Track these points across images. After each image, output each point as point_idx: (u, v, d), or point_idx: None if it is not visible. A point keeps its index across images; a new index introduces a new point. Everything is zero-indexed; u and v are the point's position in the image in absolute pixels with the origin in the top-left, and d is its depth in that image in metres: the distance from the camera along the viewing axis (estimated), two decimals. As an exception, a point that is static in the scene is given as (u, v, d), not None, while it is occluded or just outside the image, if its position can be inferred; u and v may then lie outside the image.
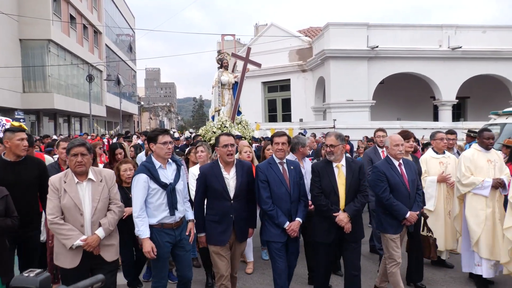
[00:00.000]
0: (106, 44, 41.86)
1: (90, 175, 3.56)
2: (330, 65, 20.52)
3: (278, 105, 26.25)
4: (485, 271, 5.10)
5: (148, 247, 3.69)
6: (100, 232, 3.48)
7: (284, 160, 4.40)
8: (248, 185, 4.21)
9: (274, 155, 4.41)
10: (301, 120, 22.64)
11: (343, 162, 4.32)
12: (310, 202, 4.76)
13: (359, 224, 4.36)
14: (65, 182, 3.46)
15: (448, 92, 21.24)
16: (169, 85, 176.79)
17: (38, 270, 1.36)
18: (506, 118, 14.67)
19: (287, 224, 4.14)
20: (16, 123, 9.41)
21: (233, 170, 4.15)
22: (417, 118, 20.99)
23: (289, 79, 25.23)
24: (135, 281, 5.17)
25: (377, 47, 20.13)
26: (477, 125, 16.20)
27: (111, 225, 3.57)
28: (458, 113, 24.35)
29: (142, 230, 3.72)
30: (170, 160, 3.99)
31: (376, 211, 4.91)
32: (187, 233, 4.02)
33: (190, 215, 4.13)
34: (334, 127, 16.79)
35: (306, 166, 5.19)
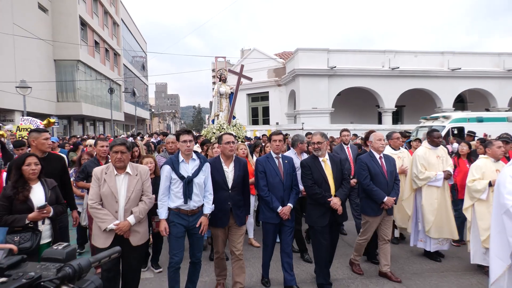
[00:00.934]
0: (124, 64, 41.23)
1: (128, 170, 3.38)
2: (299, 81, 20.57)
3: (259, 112, 26.21)
4: (432, 246, 5.08)
5: (163, 226, 3.54)
6: (131, 219, 3.28)
7: (280, 155, 4.26)
8: (243, 178, 4.02)
9: (272, 151, 4.29)
10: (277, 123, 22.70)
11: (327, 156, 4.19)
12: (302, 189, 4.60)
13: (344, 209, 4.19)
14: (106, 173, 3.30)
15: (389, 102, 21.48)
16: (174, 96, 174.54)
17: (65, 244, 1.27)
18: (432, 122, 15.11)
19: (280, 209, 4.02)
20: (45, 122, 9.10)
21: (231, 165, 3.98)
22: (366, 122, 21.25)
23: (267, 92, 25.23)
24: (154, 264, 4.86)
25: (335, 67, 20.25)
26: (411, 127, 16.55)
27: (142, 214, 3.36)
28: (397, 118, 24.62)
29: (160, 212, 3.56)
30: (195, 156, 3.71)
31: (360, 196, 4.70)
32: (197, 225, 3.68)
33: (206, 210, 3.74)
34: (302, 129, 16.89)
35: None
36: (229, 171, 3.94)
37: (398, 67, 20.82)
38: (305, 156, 5.17)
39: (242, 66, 13.78)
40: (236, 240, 4.01)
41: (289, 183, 4.17)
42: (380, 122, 22.70)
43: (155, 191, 3.79)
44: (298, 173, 4.42)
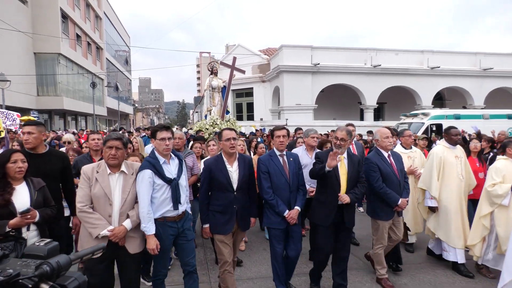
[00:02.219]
0: (106, 58, 40.51)
1: (123, 168, 2.97)
2: (283, 77, 20.76)
3: (244, 107, 26.30)
4: (459, 256, 4.48)
5: (153, 244, 2.96)
6: (127, 224, 2.87)
7: (284, 153, 3.79)
8: (249, 177, 3.61)
9: (275, 148, 3.81)
10: (261, 119, 22.78)
11: (345, 155, 3.77)
12: (311, 189, 4.27)
13: (353, 212, 3.84)
14: (97, 172, 2.88)
15: (371, 99, 21.91)
16: (158, 91, 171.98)
17: (47, 240, 1.20)
18: (412, 119, 15.51)
19: (286, 212, 3.59)
20: (25, 118, 8.81)
21: (235, 164, 3.53)
22: (348, 118, 21.48)
23: (252, 88, 25.31)
24: (145, 275, 4.27)
25: (318, 64, 20.54)
26: (392, 124, 16.92)
27: (139, 218, 2.93)
28: (378, 114, 25.07)
29: (149, 227, 2.96)
30: (172, 155, 3.24)
31: (370, 199, 4.22)
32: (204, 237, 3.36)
33: (189, 209, 3.39)
34: (286, 124, 17.07)
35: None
36: (234, 171, 3.50)
37: (379, 65, 21.27)
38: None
39: (235, 58, 13.14)
40: (235, 246, 3.67)
41: (296, 184, 3.73)
42: (362, 118, 23.08)
43: None
44: (305, 171, 4.02)
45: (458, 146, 4.71)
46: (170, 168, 3.15)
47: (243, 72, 13.44)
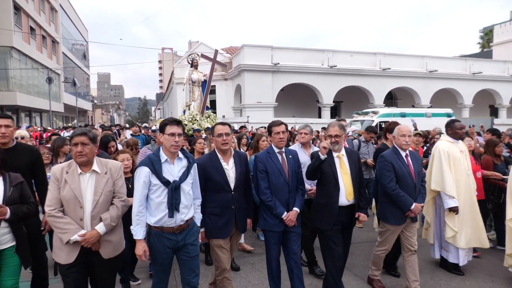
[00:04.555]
0: (63, 52, 38.99)
1: (95, 167, 2.70)
2: (244, 76, 21.35)
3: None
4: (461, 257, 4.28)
5: (141, 250, 2.70)
6: (100, 228, 2.61)
7: (283, 150, 3.48)
8: (246, 175, 3.34)
9: (273, 145, 3.48)
10: (223, 116, 23.16)
11: (343, 151, 3.49)
12: (310, 188, 4.01)
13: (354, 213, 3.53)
14: (67, 172, 2.63)
15: (327, 98, 23.03)
16: (118, 87, 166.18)
17: None
18: (363, 116, 16.69)
19: (285, 215, 3.29)
20: None
21: (231, 161, 3.23)
22: (307, 116, 22.60)
23: (215, 85, 25.53)
24: (130, 276, 4.01)
25: (278, 63, 21.31)
26: (347, 121, 17.98)
27: (113, 221, 2.66)
28: (335, 112, 26.33)
29: (136, 230, 2.70)
30: (181, 155, 2.88)
31: (380, 200, 3.92)
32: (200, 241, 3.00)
33: (198, 222, 2.99)
34: (247, 122, 17.65)
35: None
36: (230, 169, 3.19)
37: (336, 66, 22.43)
38: (314, 149, 4.27)
39: (216, 51, 12.68)
40: (232, 250, 3.38)
41: (295, 184, 3.43)
42: (320, 116, 24.09)
43: (131, 195, 3.34)
44: (303, 170, 3.67)
45: (461, 141, 4.46)
46: (173, 169, 2.80)
47: (225, 66, 12.96)
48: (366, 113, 16.74)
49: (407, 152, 3.77)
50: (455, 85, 26.18)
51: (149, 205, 2.77)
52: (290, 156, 3.47)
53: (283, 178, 3.35)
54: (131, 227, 2.74)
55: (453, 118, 4.58)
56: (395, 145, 3.80)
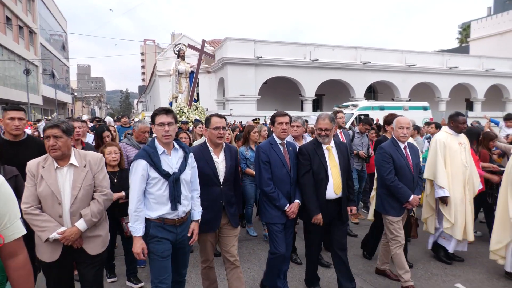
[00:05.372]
0: (41, 43, 37.97)
1: (72, 160, 2.56)
2: (227, 69, 21.40)
3: (189, 98, 26.46)
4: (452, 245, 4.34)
5: (139, 247, 2.57)
6: (80, 224, 2.50)
7: (284, 141, 3.46)
8: (235, 169, 3.28)
9: (275, 136, 3.44)
10: (206, 109, 23.20)
11: (332, 143, 3.47)
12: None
13: (346, 206, 3.52)
14: (43, 167, 2.50)
15: (310, 91, 23.37)
16: (98, 79, 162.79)
17: None
18: (344, 110, 17.10)
19: (287, 206, 3.30)
20: None
21: (222, 154, 3.15)
22: (289, 109, 22.69)
23: (198, 78, 25.57)
24: (132, 276, 3.86)
25: (261, 57, 21.47)
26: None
27: (94, 216, 2.54)
28: (317, 105, 26.73)
29: (135, 227, 2.58)
30: (177, 145, 2.79)
31: (378, 193, 3.91)
32: (189, 234, 2.84)
33: (197, 215, 2.92)
34: (231, 115, 17.80)
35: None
36: (220, 162, 3.13)
37: (317, 59, 22.74)
38: (307, 139, 4.32)
39: (204, 41, 12.40)
40: (229, 244, 3.22)
41: (296, 175, 3.46)
42: (302, 109, 24.44)
43: (123, 188, 3.25)
44: None
45: (462, 134, 4.42)
46: (171, 160, 2.70)
47: (213, 57, 12.78)
48: (347, 106, 17.17)
49: (406, 144, 3.78)
50: (432, 79, 26.97)
51: (147, 200, 2.65)
52: (291, 148, 3.49)
53: (285, 169, 3.35)
54: (129, 224, 2.64)
55: (458, 111, 4.47)
56: (394, 137, 3.80)
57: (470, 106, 29.74)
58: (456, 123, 4.31)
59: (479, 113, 24.25)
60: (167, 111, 2.70)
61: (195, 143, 4.83)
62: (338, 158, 3.43)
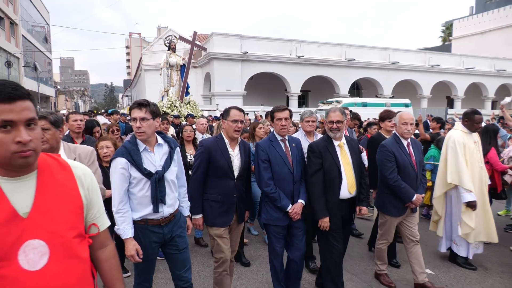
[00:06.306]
0: (22, 35, 37.13)
1: (61, 153, 2.44)
2: (214, 64, 21.43)
3: (175, 92, 26.40)
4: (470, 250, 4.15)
5: (132, 249, 2.38)
6: None
7: (286, 137, 3.24)
8: (249, 165, 3.20)
9: (275, 132, 3.23)
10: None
11: (344, 140, 3.27)
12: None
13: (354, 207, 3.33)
14: None
15: (295, 87, 23.60)
16: (82, 72, 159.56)
17: None
18: (328, 106, 17.44)
19: (290, 207, 3.07)
20: None
21: (237, 148, 3.07)
22: (275, 105, 22.88)
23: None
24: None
25: (247, 52, 21.59)
26: (313, 110, 18.71)
27: None
28: (303, 101, 27.09)
29: (123, 229, 2.38)
30: (161, 140, 2.55)
31: (379, 191, 3.75)
32: (188, 232, 2.75)
33: (187, 211, 2.80)
34: (217, 109, 17.92)
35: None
36: (235, 156, 3.05)
37: (303, 56, 23.00)
38: (317, 136, 4.01)
39: (195, 33, 11.83)
40: (234, 240, 3.19)
41: (300, 174, 3.21)
42: (288, 105, 24.51)
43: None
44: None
45: (475, 133, 4.22)
46: (154, 158, 2.47)
47: (205, 49, 12.30)
48: (331, 103, 17.52)
49: (409, 140, 3.58)
50: (415, 77, 27.61)
51: (130, 200, 2.46)
52: (294, 145, 3.25)
53: (287, 167, 3.12)
54: (116, 227, 2.39)
55: (474, 109, 4.20)
56: (397, 134, 3.61)
57: (450, 103, 30.58)
58: (471, 121, 4.06)
59: (458, 110, 25.02)
60: (140, 105, 2.43)
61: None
62: (351, 155, 3.23)
